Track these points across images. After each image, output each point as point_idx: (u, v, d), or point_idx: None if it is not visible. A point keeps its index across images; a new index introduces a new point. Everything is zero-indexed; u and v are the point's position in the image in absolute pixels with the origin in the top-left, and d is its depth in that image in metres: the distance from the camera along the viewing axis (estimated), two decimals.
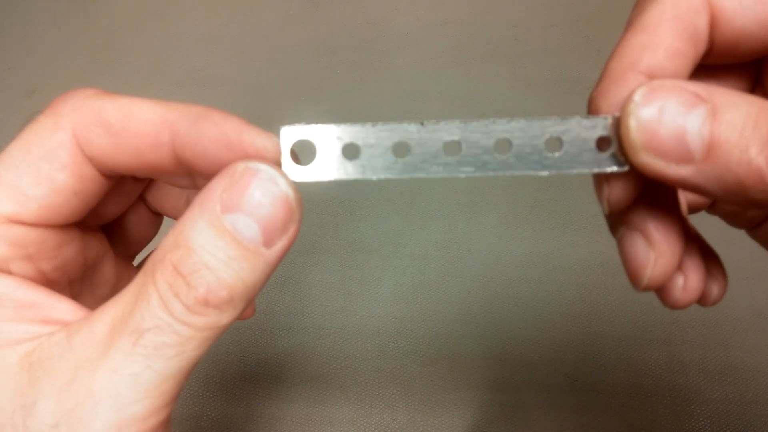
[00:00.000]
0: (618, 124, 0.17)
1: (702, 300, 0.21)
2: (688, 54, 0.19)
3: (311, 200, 0.49)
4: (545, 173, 0.18)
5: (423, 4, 0.64)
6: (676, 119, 0.16)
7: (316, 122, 0.19)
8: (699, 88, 0.16)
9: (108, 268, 0.24)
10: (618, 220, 0.20)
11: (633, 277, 0.20)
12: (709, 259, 0.22)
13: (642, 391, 0.41)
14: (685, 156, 0.16)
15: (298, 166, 0.19)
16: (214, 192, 0.17)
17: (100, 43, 0.63)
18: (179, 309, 0.17)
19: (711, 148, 0.15)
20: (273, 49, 0.61)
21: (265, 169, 0.18)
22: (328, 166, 0.19)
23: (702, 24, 0.19)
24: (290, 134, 0.19)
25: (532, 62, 0.58)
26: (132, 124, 0.19)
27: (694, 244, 0.21)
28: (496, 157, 0.18)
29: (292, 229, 0.18)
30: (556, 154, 0.18)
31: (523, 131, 0.18)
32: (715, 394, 0.41)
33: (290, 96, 0.57)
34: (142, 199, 0.25)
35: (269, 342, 0.44)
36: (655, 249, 0.19)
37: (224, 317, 0.17)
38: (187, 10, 0.65)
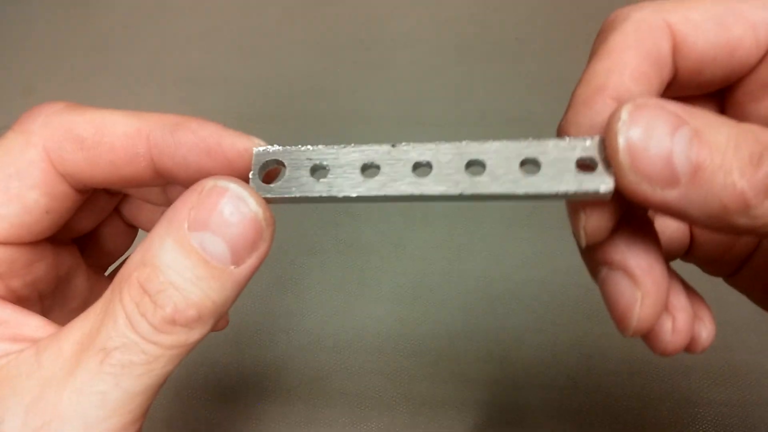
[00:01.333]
0: (603, 145, 0.17)
1: (691, 345, 0.20)
2: (654, 77, 0.19)
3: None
4: (521, 193, 0.18)
5: (424, 2, 0.64)
6: (663, 140, 0.15)
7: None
8: (678, 108, 0.16)
9: (80, 281, 0.24)
10: (597, 261, 0.20)
11: (620, 320, 0.19)
12: (694, 300, 0.21)
13: (645, 393, 0.41)
14: (671, 179, 0.15)
15: (266, 185, 0.19)
16: (182, 209, 0.17)
17: (97, 41, 0.63)
18: (146, 328, 0.16)
19: (696, 172, 0.15)
20: (272, 47, 0.61)
21: (233, 187, 0.17)
22: (295, 186, 0.18)
23: (665, 48, 0.19)
24: (261, 156, 0.19)
25: (535, 61, 0.57)
26: (106, 138, 0.19)
27: (678, 282, 0.21)
28: (469, 177, 0.18)
29: (262, 248, 0.18)
30: (534, 176, 0.18)
31: (498, 152, 0.18)
32: (718, 396, 0.40)
33: (289, 95, 0.56)
34: (117, 211, 0.25)
35: (268, 343, 0.44)
36: (641, 287, 0.18)
37: (193, 335, 0.17)
38: (185, 8, 0.65)
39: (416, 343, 0.43)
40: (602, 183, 0.17)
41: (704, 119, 0.15)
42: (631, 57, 0.19)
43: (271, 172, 0.19)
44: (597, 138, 0.17)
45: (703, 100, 0.21)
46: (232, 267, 0.17)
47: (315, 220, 0.49)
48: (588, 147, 0.17)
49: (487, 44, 0.60)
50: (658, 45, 0.19)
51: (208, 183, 0.17)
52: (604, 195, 0.17)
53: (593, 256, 0.20)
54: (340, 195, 0.18)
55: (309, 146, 0.19)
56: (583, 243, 0.19)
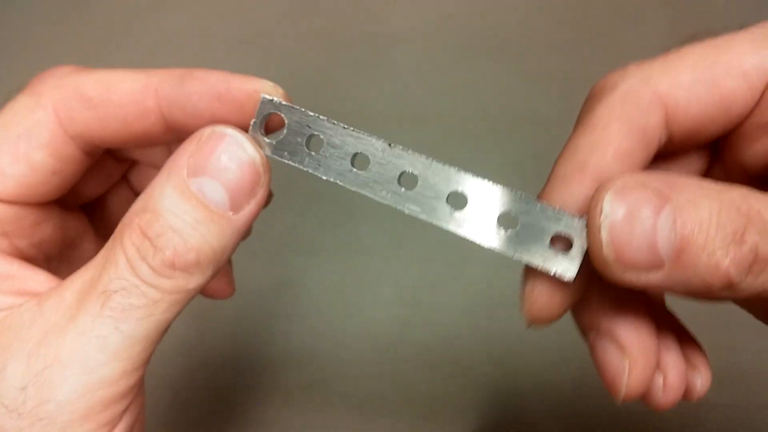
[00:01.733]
0: (586, 233, 0.16)
1: (686, 394, 0.20)
2: (638, 154, 0.19)
3: (311, 200, 0.49)
4: (485, 245, 0.18)
5: None
6: (647, 226, 0.15)
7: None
8: (660, 182, 0.15)
9: (88, 248, 0.24)
10: (584, 326, 0.20)
11: (610, 388, 0.19)
12: (689, 348, 0.21)
13: None
14: (655, 264, 0.15)
15: (264, 138, 0.19)
16: (182, 157, 0.17)
17: (94, 40, 0.63)
18: (146, 271, 0.17)
19: (680, 255, 0.15)
20: (271, 44, 0.61)
21: (231, 133, 0.18)
22: (288, 150, 0.19)
23: (653, 122, 0.19)
24: (266, 106, 0.19)
25: (538, 59, 0.57)
26: (114, 96, 0.19)
27: (671, 335, 0.20)
28: (447, 209, 0.18)
29: (259, 194, 0.18)
30: (508, 232, 0.17)
31: (484, 195, 0.18)
32: (723, 399, 0.40)
33: (289, 92, 0.56)
34: (125, 180, 0.25)
35: (267, 346, 0.43)
36: (629, 355, 0.18)
37: (192, 281, 0.17)
38: (183, 5, 0.64)
39: (417, 345, 0.43)
40: (567, 270, 0.17)
41: (687, 194, 0.15)
42: (615, 133, 0.18)
43: (272, 124, 0.19)
44: (581, 219, 0.17)
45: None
46: (231, 213, 0.17)
47: (315, 220, 0.49)
48: (572, 225, 0.17)
49: (490, 41, 0.59)
50: (646, 119, 0.18)
51: (206, 130, 0.18)
52: (565, 279, 0.17)
53: (580, 320, 0.20)
54: (324, 177, 0.18)
55: (313, 114, 0.19)
56: (526, 325, 0.19)
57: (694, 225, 0.15)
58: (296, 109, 0.19)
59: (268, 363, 0.43)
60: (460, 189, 0.18)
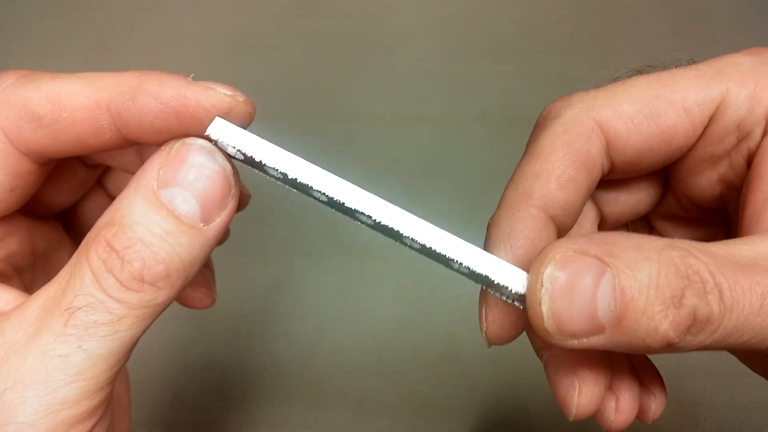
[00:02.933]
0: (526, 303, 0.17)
1: (640, 416, 0.21)
2: (581, 180, 0.19)
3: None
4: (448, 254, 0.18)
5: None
6: (587, 296, 0.15)
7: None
8: (599, 247, 0.15)
9: (63, 256, 0.23)
10: (540, 345, 0.20)
11: (561, 406, 0.19)
12: (645, 373, 0.21)
13: None
14: (596, 330, 0.15)
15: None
16: (151, 170, 0.17)
17: (93, 40, 0.62)
18: (113, 285, 0.16)
19: (620, 320, 0.15)
20: (270, 45, 0.61)
21: (202, 144, 0.17)
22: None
23: (594, 149, 0.19)
24: (219, 127, 0.18)
25: (537, 59, 0.57)
26: (65, 114, 0.18)
27: (624, 362, 0.21)
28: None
29: (230, 205, 0.18)
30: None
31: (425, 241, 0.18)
32: (722, 398, 0.40)
33: (288, 93, 0.56)
34: (100, 185, 0.24)
35: (267, 346, 0.43)
36: (579, 376, 0.19)
37: (160, 295, 0.17)
38: (181, 6, 0.64)
39: (417, 345, 0.43)
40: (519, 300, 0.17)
41: (626, 258, 0.15)
42: (558, 161, 0.19)
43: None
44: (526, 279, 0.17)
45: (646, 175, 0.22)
46: (202, 224, 0.17)
47: (313, 220, 0.49)
48: (517, 280, 0.17)
49: (490, 42, 0.59)
50: (587, 147, 0.19)
51: (176, 142, 0.17)
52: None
53: (534, 341, 0.20)
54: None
55: (274, 151, 0.18)
56: (487, 345, 0.19)
57: (634, 290, 0.15)
58: (251, 141, 0.18)
59: (268, 362, 0.43)
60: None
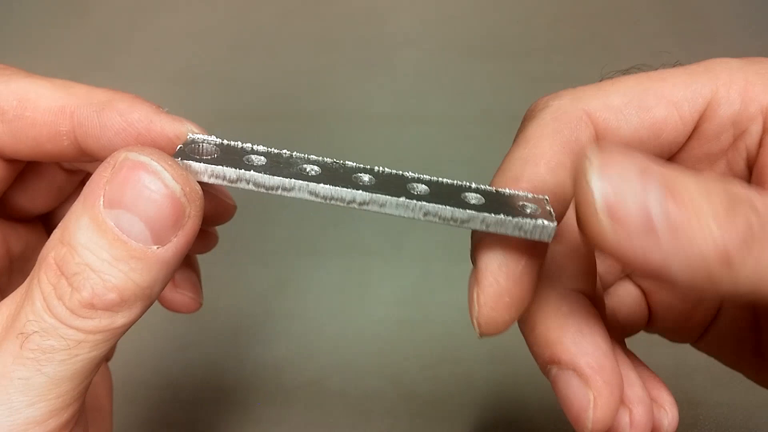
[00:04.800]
0: (547, 204, 0.16)
1: None
2: (571, 166, 0.18)
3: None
4: (454, 219, 0.16)
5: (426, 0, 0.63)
6: (639, 191, 0.14)
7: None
8: (643, 156, 0.14)
9: None
10: (545, 360, 0.19)
11: (575, 423, 0.18)
12: (652, 386, 0.21)
13: None
14: (650, 233, 0.14)
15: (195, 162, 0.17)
16: (97, 184, 0.16)
17: (94, 40, 0.62)
18: (63, 312, 0.16)
19: (672, 223, 0.14)
20: (271, 45, 0.61)
21: (147, 161, 0.16)
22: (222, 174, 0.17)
23: (584, 136, 0.19)
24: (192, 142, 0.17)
25: (537, 59, 0.57)
26: (28, 113, 0.18)
27: (633, 373, 0.20)
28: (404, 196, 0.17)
29: (188, 225, 0.16)
30: (473, 207, 0.17)
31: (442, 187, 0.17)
32: (721, 398, 0.40)
33: (288, 93, 0.56)
34: (83, 182, 0.24)
35: (267, 346, 0.43)
36: (593, 388, 0.18)
37: (118, 319, 0.16)
38: (182, 5, 0.64)
39: (417, 344, 0.43)
40: (545, 229, 0.16)
41: (671, 169, 0.14)
42: (547, 147, 0.18)
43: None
44: (542, 197, 0.17)
45: None
46: (155, 247, 0.16)
47: (314, 220, 0.49)
48: (537, 198, 0.17)
49: (490, 42, 0.59)
50: (577, 134, 0.18)
51: (120, 155, 0.16)
52: (545, 239, 0.16)
53: (541, 354, 0.19)
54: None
55: (254, 149, 0.17)
56: (478, 332, 0.18)
57: (684, 195, 0.14)
58: (230, 147, 0.17)
59: (268, 362, 0.43)
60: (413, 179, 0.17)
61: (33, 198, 0.22)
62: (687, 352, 0.43)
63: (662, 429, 0.20)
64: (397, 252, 0.47)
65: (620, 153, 0.14)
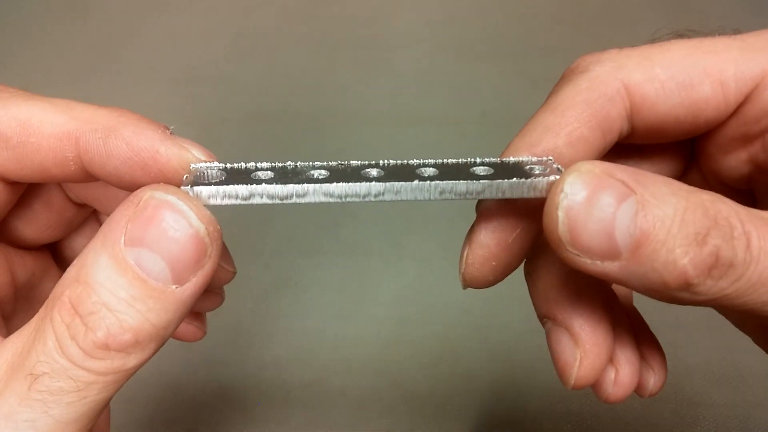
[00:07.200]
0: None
1: (638, 391, 0.20)
2: (594, 141, 0.18)
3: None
4: (468, 192, 0.17)
5: (425, 1, 0.63)
6: (606, 214, 0.14)
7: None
8: (627, 175, 0.15)
9: (48, 287, 0.22)
10: (543, 314, 0.20)
11: (560, 375, 0.19)
12: (647, 347, 0.21)
13: None
14: (611, 253, 0.15)
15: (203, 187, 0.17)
16: (119, 222, 0.16)
17: (95, 40, 0.62)
18: (76, 353, 0.15)
19: (638, 247, 0.14)
20: (271, 46, 0.61)
21: (172, 200, 0.16)
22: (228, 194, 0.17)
23: (615, 112, 0.18)
24: (198, 170, 0.17)
25: (537, 59, 0.57)
26: (33, 140, 0.18)
27: (629, 332, 0.20)
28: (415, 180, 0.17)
29: (207, 265, 0.16)
30: (483, 177, 0.17)
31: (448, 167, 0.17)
32: (720, 397, 0.40)
33: (288, 94, 0.56)
34: (96, 219, 0.24)
35: (268, 345, 0.43)
36: (581, 347, 0.19)
37: (130, 360, 0.16)
38: (183, 6, 0.64)
39: (416, 344, 0.43)
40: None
41: (653, 189, 0.14)
42: (573, 117, 0.18)
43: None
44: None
45: (671, 145, 0.21)
46: (174, 287, 0.16)
47: (315, 220, 0.49)
48: (542, 161, 0.17)
49: (489, 43, 0.59)
50: (608, 109, 0.18)
51: (146, 194, 0.16)
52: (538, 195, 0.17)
53: (539, 307, 0.20)
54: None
55: (260, 170, 0.17)
56: (463, 283, 0.19)
57: (656, 219, 0.14)
58: (235, 169, 0.17)
59: (268, 362, 0.43)
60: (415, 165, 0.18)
61: (40, 228, 0.22)
62: (687, 352, 0.43)
63: (647, 388, 0.21)
64: (396, 252, 0.47)
65: (602, 169, 0.15)
